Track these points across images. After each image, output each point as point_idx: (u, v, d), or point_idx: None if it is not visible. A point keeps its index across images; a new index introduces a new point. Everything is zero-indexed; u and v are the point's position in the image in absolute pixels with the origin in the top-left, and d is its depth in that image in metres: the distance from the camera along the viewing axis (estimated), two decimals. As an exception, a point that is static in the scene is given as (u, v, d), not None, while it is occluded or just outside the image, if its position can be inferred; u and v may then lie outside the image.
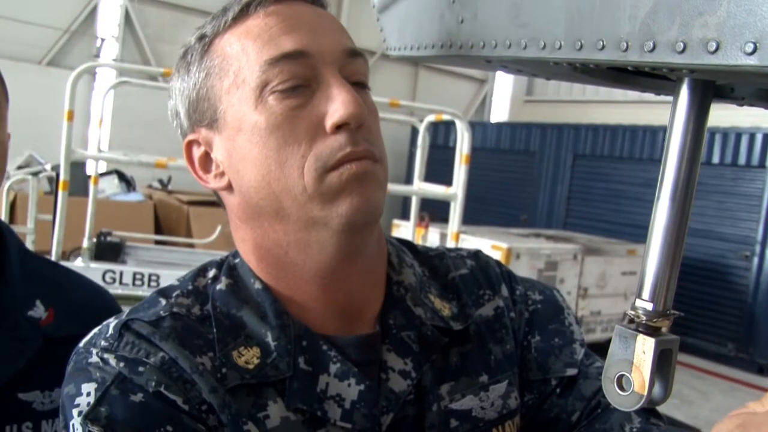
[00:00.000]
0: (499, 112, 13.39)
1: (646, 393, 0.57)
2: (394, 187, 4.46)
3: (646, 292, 0.59)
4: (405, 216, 7.15)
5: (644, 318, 0.58)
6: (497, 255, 5.87)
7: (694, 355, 7.73)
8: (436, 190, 4.22)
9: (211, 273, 0.79)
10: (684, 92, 0.57)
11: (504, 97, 13.40)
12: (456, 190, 3.87)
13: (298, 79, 0.71)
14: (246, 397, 0.70)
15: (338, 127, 0.71)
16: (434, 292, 0.85)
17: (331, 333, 0.77)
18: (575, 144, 9.51)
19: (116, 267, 3.81)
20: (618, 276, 7.02)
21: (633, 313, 0.59)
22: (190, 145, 0.79)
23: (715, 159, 7.95)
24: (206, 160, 0.78)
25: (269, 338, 0.73)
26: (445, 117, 4.34)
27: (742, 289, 7.75)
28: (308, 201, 0.71)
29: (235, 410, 0.69)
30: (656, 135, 8.47)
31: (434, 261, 0.91)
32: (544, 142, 9.94)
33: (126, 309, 0.77)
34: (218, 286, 0.77)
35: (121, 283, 3.73)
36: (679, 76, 0.56)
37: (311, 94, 0.72)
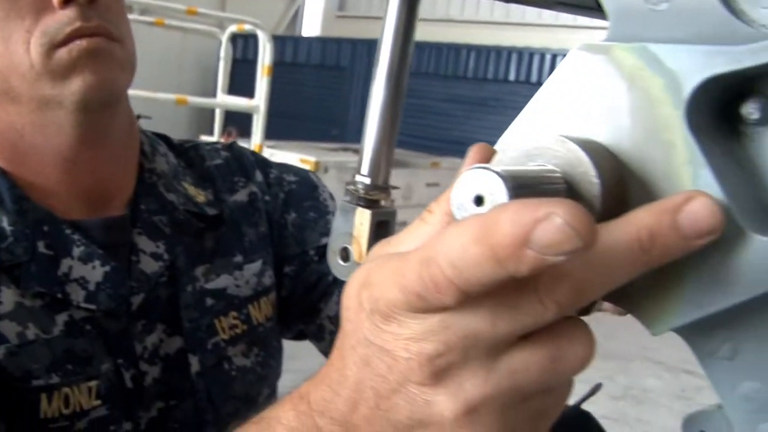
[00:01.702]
0: (311, 26, 13.21)
1: (364, 262, 0.62)
2: (196, 100, 4.31)
3: (365, 168, 0.63)
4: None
5: (362, 191, 0.63)
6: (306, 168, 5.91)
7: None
8: (238, 102, 4.14)
9: None
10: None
11: (316, 12, 13.22)
12: (258, 102, 3.82)
13: None
14: None
15: (67, 2, 0.67)
16: (189, 181, 0.87)
17: (77, 218, 0.76)
18: (385, 60, 9.65)
19: None
20: (423, 187, 7.36)
21: (352, 187, 0.63)
22: None
23: (511, 77, 8.51)
24: None
25: (5, 223, 0.71)
26: (248, 27, 4.23)
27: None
28: (38, 79, 0.68)
29: None
30: (460, 53, 8.85)
31: (190, 152, 0.92)
32: (354, 58, 10.01)
33: None
34: None
35: None
36: None
37: None
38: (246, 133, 6.80)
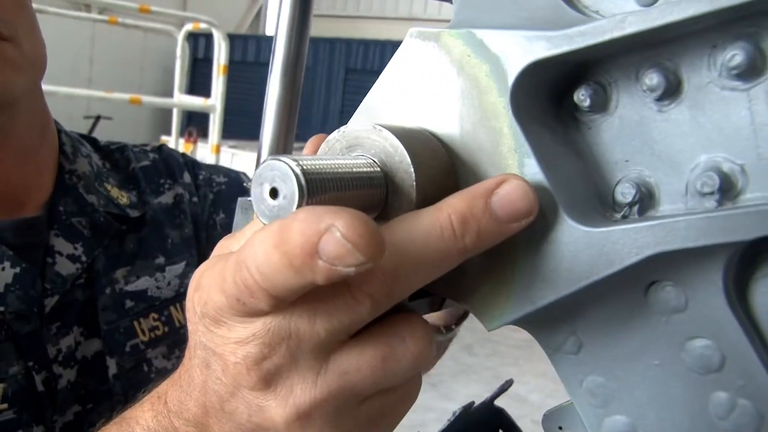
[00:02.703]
0: (274, 25, 13.13)
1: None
2: (150, 100, 4.25)
3: (263, 163, 0.62)
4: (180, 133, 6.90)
5: (261, 188, 0.62)
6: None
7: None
8: (194, 102, 4.09)
9: None
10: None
11: (280, 11, 13.12)
12: (214, 102, 3.78)
13: None
14: None
15: None
16: (112, 182, 0.85)
17: None
18: (347, 59, 9.70)
19: None
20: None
21: (251, 183, 0.62)
22: None
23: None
24: None
25: None
26: (204, 26, 4.18)
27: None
28: None
29: None
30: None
31: (115, 154, 0.91)
32: (317, 57, 9.99)
33: None
34: None
35: None
36: None
37: None
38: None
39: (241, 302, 0.29)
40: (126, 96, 3.71)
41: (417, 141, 0.31)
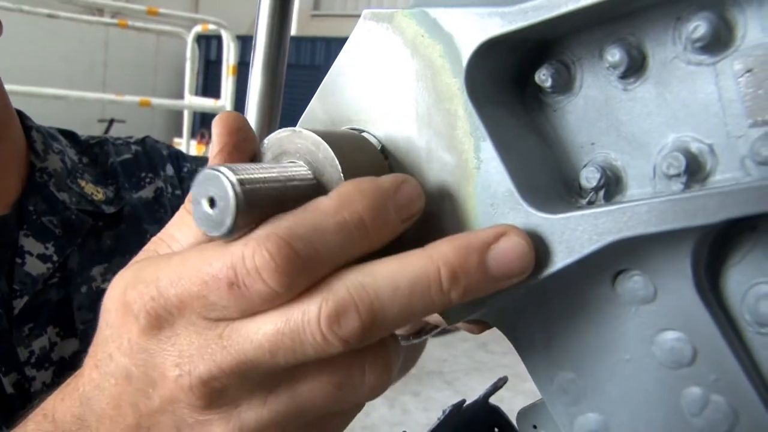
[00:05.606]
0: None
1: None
2: (159, 102, 4.27)
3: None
4: (191, 134, 6.92)
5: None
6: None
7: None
8: (204, 103, 4.10)
9: None
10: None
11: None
12: (224, 103, 3.79)
13: None
14: None
15: None
16: (88, 178, 0.84)
17: None
18: (361, 57, 9.74)
19: None
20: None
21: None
22: None
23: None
24: None
25: None
26: (213, 27, 4.18)
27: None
28: None
29: None
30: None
31: (95, 149, 0.89)
32: (329, 57, 9.99)
33: None
34: None
35: None
36: None
37: None
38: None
39: (208, 299, 0.27)
40: (136, 98, 3.72)
41: (339, 136, 0.30)
